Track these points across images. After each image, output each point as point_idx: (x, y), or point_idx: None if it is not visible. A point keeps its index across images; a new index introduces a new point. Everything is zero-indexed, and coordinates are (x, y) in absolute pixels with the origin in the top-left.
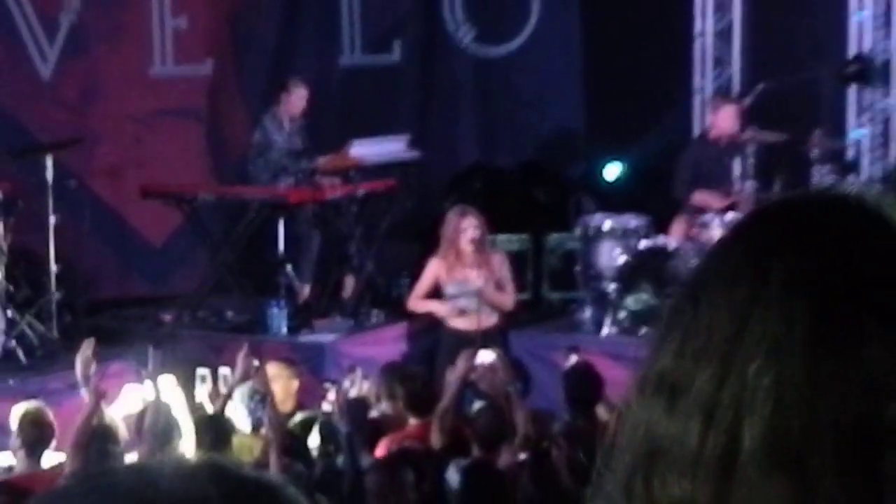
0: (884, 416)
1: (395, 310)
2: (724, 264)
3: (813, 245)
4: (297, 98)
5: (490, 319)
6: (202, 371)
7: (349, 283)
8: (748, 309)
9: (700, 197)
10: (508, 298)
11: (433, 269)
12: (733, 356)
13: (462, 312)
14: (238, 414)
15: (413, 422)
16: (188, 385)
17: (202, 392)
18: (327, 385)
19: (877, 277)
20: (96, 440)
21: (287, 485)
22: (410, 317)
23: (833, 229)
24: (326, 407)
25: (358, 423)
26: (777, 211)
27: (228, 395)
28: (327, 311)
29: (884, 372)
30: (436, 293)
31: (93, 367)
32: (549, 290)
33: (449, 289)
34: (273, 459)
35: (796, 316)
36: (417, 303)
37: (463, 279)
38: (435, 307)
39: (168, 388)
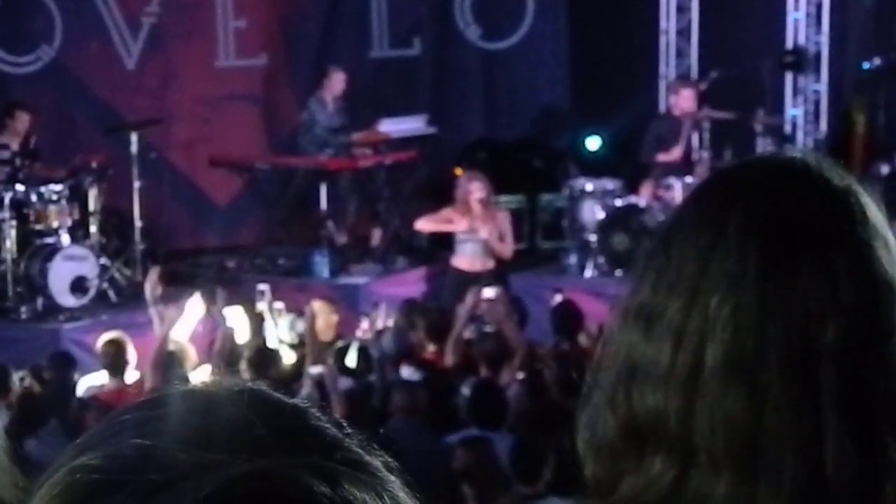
0: (820, 338)
1: (417, 257)
2: (690, 215)
3: (764, 197)
4: (336, 81)
5: (490, 263)
6: (261, 304)
7: (378, 235)
8: (710, 251)
9: (662, 157)
10: (508, 248)
11: (447, 212)
12: (698, 291)
13: (467, 255)
14: (284, 334)
15: (431, 347)
16: (250, 318)
17: (263, 310)
18: (363, 317)
19: (813, 223)
20: (170, 363)
21: (314, 407)
22: (429, 262)
23: (781, 184)
24: (360, 334)
25: (398, 345)
26: (735, 171)
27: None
28: (361, 258)
29: (817, 301)
30: (447, 242)
31: (159, 290)
32: (542, 241)
33: (461, 236)
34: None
35: (749, 256)
36: (426, 222)
37: (472, 229)
38: (438, 225)
39: (234, 319)
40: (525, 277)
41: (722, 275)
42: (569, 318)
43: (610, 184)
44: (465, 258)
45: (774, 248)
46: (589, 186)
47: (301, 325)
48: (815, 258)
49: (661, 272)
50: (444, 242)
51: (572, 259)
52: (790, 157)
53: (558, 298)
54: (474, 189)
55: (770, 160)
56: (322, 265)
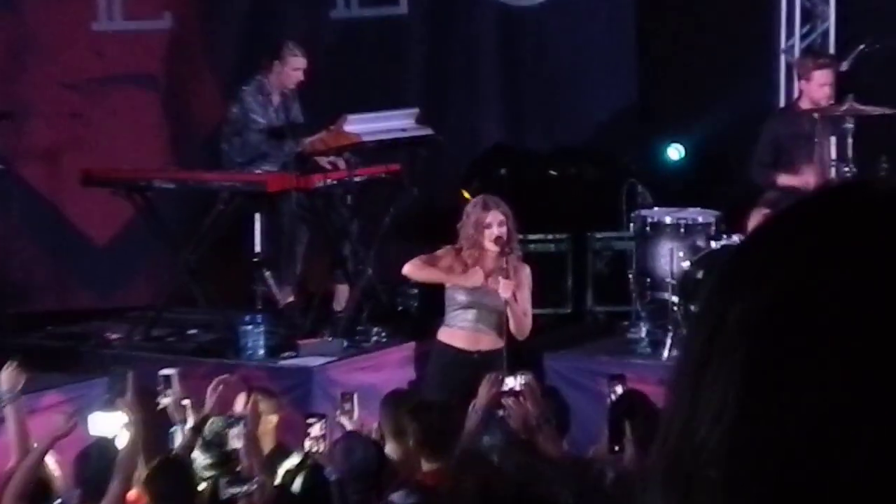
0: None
1: (401, 327)
2: (703, 290)
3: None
4: (291, 67)
5: (502, 342)
6: (165, 399)
7: (343, 293)
8: (706, 353)
9: (786, 180)
10: (528, 321)
11: (447, 258)
12: (696, 392)
13: (468, 327)
14: (203, 454)
15: (427, 466)
16: (145, 419)
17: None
18: (313, 420)
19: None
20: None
21: None
22: (420, 333)
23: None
24: (311, 446)
25: (358, 467)
26: (782, 219)
27: (196, 432)
28: (315, 329)
29: None
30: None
31: (19, 386)
32: (593, 303)
33: (460, 296)
34: None
35: (734, 377)
36: (417, 267)
37: (482, 286)
38: (432, 274)
39: (114, 424)
40: (567, 359)
41: (711, 396)
42: (635, 420)
43: (699, 216)
44: (464, 332)
45: (757, 371)
46: (667, 220)
47: (234, 432)
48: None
49: (682, 351)
50: (442, 303)
51: (641, 331)
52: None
53: (619, 391)
54: (490, 222)
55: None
56: (255, 338)
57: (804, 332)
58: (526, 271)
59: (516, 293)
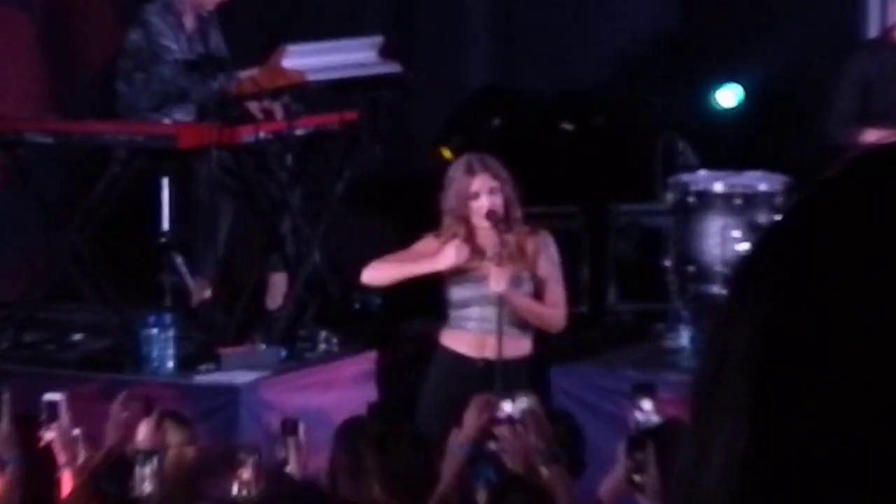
0: None
1: (360, 331)
2: (719, 305)
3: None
4: None
5: (518, 345)
6: (49, 434)
7: (280, 285)
8: (713, 385)
9: (876, 136)
10: (555, 312)
11: (426, 244)
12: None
13: (472, 328)
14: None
15: None
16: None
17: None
18: (241, 457)
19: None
20: None
21: None
22: (384, 341)
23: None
24: (238, 493)
25: None
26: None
27: (92, 477)
28: (243, 333)
29: None
30: (428, 303)
31: None
32: (616, 299)
33: (455, 292)
34: None
35: (742, 413)
36: (384, 268)
37: (476, 276)
38: (407, 271)
39: None
40: (581, 374)
41: (710, 439)
42: (664, 449)
43: (761, 182)
44: (468, 334)
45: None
46: (718, 187)
47: (142, 472)
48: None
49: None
50: (419, 302)
51: (682, 337)
52: None
53: (646, 408)
54: (479, 190)
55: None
56: (162, 346)
57: (822, 358)
58: (544, 242)
59: (539, 274)
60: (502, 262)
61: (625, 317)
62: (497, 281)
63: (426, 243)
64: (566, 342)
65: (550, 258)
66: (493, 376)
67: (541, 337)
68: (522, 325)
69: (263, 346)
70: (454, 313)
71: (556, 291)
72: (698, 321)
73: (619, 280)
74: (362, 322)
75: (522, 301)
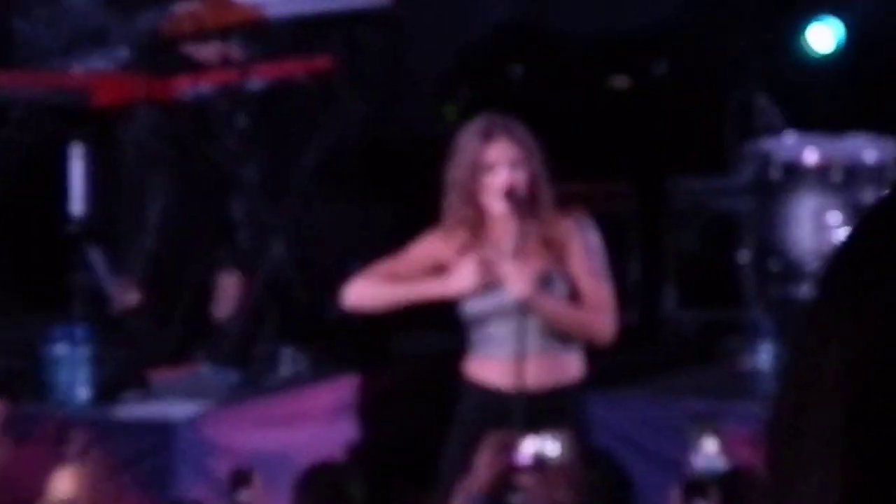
0: None
1: (334, 348)
2: (808, 312)
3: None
4: None
5: (561, 367)
6: None
7: (231, 288)
8: (798, 421)
9: None
10: (601, 318)
11: (430, 252)
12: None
13: (500, 351)
14: None
15: None
16: None
17: None
18: None
19: None
20: None
21: None
22: (369, 362)
23: None
24: None
25: None
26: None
27: None
28: (182, 350)
29: None
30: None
31: None
32: (675, 304)
33: (468, 305)
34: None
35: (834, 452)
36: (367, 287)
37: (493, 280)
38: (403, 292)
39: None
40: (630, 403)
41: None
42: (736, 500)
43: (868, 149)
44: (496, 359)
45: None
46: (810, 157)
47: None
48: None
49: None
50: (416, 309)
51: (762, 354)
52: None
53: (710, 452)
54: (497, 161)
55: None
56: (74, 368)
57: None
58: (579, 226)
59: (574, 269)
60: (524, 256)
61: (686, 328)
62: (517, 283)
63: (429, 245)
64: (610, 362)
65: (589, 246)
66: (539, 413)
67: (583, 354)
68: (563, 337)
69: (209, 368)
70: (474, 333)
71: (600, 289)
72: (783, 335)
73: (680, 280)
74: (340, 336)
75: (554, 306)
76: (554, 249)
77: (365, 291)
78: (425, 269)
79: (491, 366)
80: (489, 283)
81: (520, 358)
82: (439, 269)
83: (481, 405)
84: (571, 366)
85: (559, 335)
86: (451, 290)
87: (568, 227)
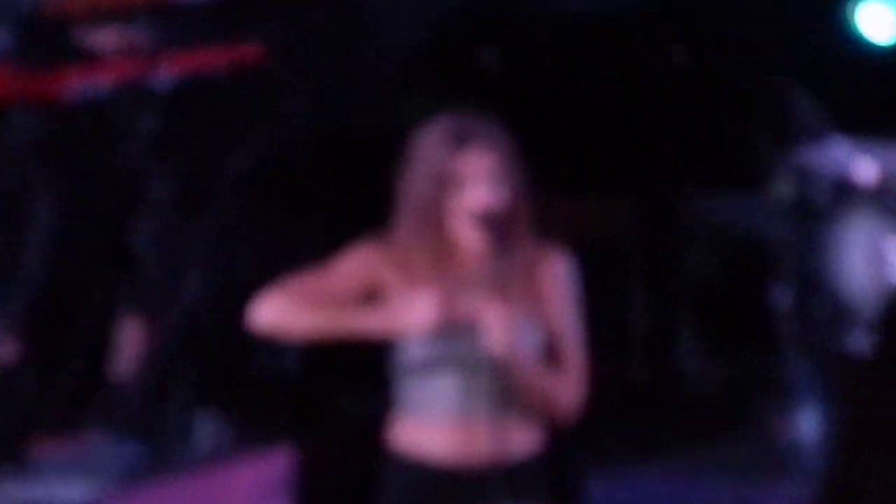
0: None
1: (265, 408)
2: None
3: None
4: None
5: (525, 436)
6: None
7: (133, 334)
8: (860, 489)
9: None
10: (573, 389)
11: (364, 272)
12: None
13: (442, 417)
14: None
15: None
16: None
17: None
18: None
19: None
20: None
21: None
22: (306, 428)
23: None
24: None
25: None
26: None
27: None
28: (71, 415)
29: None
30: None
31: None
32: (695, 354)
33: (409, 348)
34: None
35: None
36: (282, 303)
37: (451, 320)
38: (325, 320)
39: None
40: (636, 480)
41: None
42: None
43: None
44: (438, 422)
45: None
46: (864, 171)
47: None
48: None
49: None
50: (364, 360)
51: (803, 420)
52: None
53: None
54: (467, 173)
55: None
56: None
57: None
58: (552, 264)
59: (552, 321)
60: (501, 298)
61: (707, 385)
62: (497, 331)
63: (363, 261)
64: (610, 428)
65: (569, 293)
66: (487, 492)
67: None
68: (520, 401)
69: (104, 439)
70: (409, 387)
71: (577, 352)
72: (830, 395)
73: (699, 324)
74: (271, 395)
75: (532, 369)
76: (529, 291)
77: (279, 311)
78: (354, 292)
79: (429, 432)
80: (447, 324)
81: (522, 415)
82: (372, 295)
83: (416, 485)
84: (535, 434)
85: (515, 398)
86: (397, 326)
87: (547, 264)
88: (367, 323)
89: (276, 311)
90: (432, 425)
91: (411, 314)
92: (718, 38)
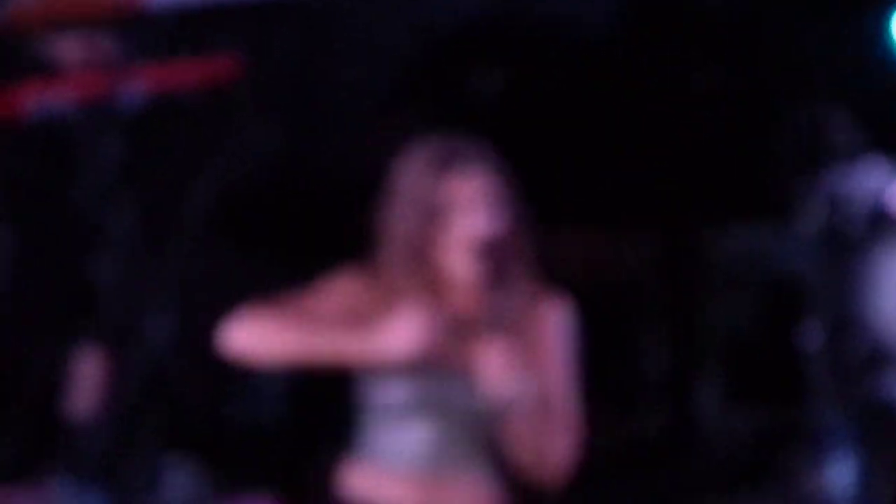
0: None
1: (244, 457)
2: None
3: None
4: None
5: (490, 499)
6: None
7: (93, 371)
8: None
9: None
10: (564, 449)
11: (347, 298)
12: None
13: (410, 466)
14: None
15: None
16: None
17: None
18: None
19: None
20: None
21: None
22: (289, 480)
23: None
24: None
25: None
26: None
27: None
28: (25, 463)
29: None
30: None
31: None
32: (718, 402)
33: (391, 385)
34: None
35: None
36: (259, 326)
37: (434, 359)
38: (326, 342)
39: None
40: None
41: None
42: None
43: None
44: (405, 480)
45: None
46: None
47: None
48: None
49: None
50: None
51: (838, 475)
52: None
53: None
54: (463, 201)
55: None
56: None
57: None
58: (553, 312)
59: (547, 371)
60: (500, 336)
61: (732, 435)
62: (497, 373)
63: (347, 287)
64: (626, 483)
65: (567, 342)
66: None
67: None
68: (503, 464)
69: (63, 488)
70: (377, 430)
71: (571, 408)
72: (869, 448)
73: (722, 368)
74: (246, 440)
75: (527, 422)
76: (523, 335)
77: (256, 332)
78: (335, 319)
79: (392, 483)
80: (430, 360)
81: (492, 475)
82: (354, 324)
83: None
84: (502, 497)
85: (495, 454)
86: (378, 349)
87: (545, 309)
88: (348, 345)
89: (252, 333)
90: (396, 476)
91: (395, 336)
92: (742, 55)
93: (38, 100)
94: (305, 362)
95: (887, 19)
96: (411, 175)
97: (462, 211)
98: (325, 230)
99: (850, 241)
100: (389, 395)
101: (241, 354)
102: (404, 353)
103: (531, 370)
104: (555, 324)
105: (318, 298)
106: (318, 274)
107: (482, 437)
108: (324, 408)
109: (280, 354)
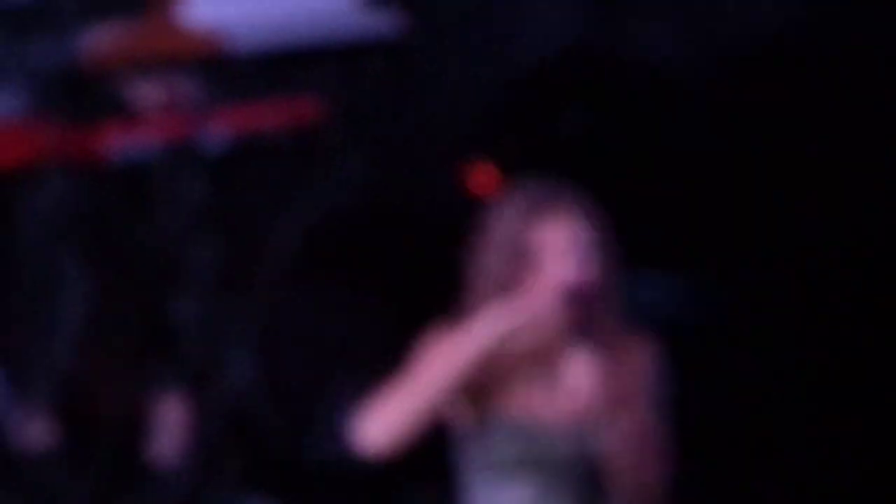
0: None
1: (315, 497)
2: None
3: None
4: None
5: None
6: None
7: (173, 416)
8: None
9: None
10: (653, 477)
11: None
12: None
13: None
14: None
15: None
16: None
17: None
18: None
19: None
20: None
21: None
22: None
23: None
24: None
25: None
26: None
27: None
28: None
29: None
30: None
31: None
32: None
33: (494, 443)
34: None
35: None
36: (387, 409)
37: (540, 413)
38: (434, 377)
39: None
40: None
41: None
42: None
43: None
44: None
45: None
46: None
47: None
48: None
49: None
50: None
51: None
52: None
53: None
54: (556, 245)
55: None
56: None
57: None
58: (653, 360)
59: (640, 415)
60: (603, 379)
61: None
62: (606, 421)
63: (441, 340)
64: None
65: (650, 383)
66: None
67: None
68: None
69: None
70: (482, 487)
71: (656, 446)
72: None
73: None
74: (324, 483)
75: (635, 470)
76: (615, 379)
77: (387, 416)
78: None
79: None
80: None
81: None
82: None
83: None
84: None
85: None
86: (475, 341)
87: (635, 354)
88: (453, 355)
89: (388, 421)
90: None
91: (487, 322)
92: (834, 79)
93: (120, 142)
94: (429, 405)
95: None
96: (504, 220)
97: (551, 257)
98: (411, 269)
99: None
100: (492, 451)
101: (384, 446)
102: (491, 339)
103: (626, 408)
104: (646, 365)
105: (423, 363)
106: (401, 316)
107: (587, 490)
108: (406, 455)
109: (412, 422)
